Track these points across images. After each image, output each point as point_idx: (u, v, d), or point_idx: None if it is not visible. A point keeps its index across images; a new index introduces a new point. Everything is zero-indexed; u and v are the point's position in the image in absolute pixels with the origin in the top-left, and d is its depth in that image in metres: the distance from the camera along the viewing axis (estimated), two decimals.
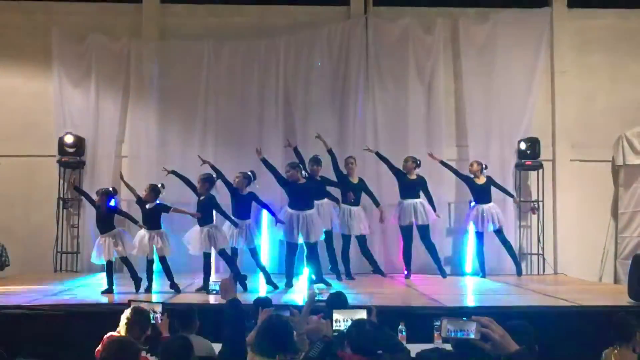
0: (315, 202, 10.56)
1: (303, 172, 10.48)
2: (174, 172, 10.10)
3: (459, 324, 2.57)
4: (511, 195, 12.47)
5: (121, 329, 5.56)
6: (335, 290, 8.11)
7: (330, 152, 11.10)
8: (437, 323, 6.23)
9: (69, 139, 12.91)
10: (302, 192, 10.27)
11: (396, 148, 12.70)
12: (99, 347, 5.58)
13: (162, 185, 10.05)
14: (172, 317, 6.21)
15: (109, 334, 5.68)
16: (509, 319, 3.65)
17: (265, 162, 10.13)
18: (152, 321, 5.96)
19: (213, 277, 9.92)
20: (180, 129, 13.46)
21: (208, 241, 9.66)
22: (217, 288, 6.90)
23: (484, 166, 11.98)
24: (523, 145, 13.15)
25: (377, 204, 11.51)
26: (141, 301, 6.80)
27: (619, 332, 5.66)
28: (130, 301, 6.60)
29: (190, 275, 10.58)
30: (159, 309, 6.37)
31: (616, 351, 5.60)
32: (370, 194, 11.50)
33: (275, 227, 10.47)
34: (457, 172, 12.18)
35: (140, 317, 5.65)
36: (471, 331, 2.54)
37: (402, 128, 13.33)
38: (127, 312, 5.73)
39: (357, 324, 4.89)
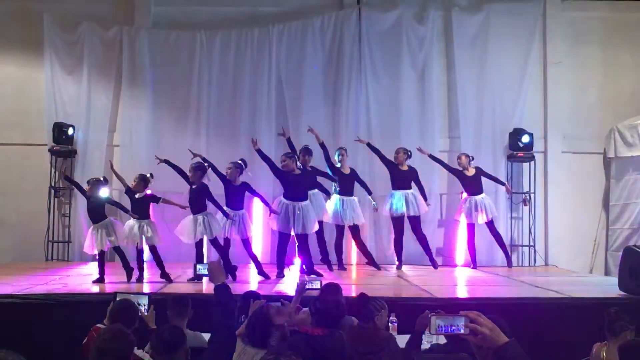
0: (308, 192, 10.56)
1: (298, 162, 10.45)
2: (166, 161, 10.05)
3: (447, 319, 2.57)
4: (502, 184, 12.43)
5: (107, 322, 5.50)
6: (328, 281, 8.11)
7: (322, 145, 11.03)
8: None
9: (60, 128, 12.84)
10: (297, 182, 10.22)
11: (388, 139, 12.68)
12: (86, 339, 5.55)
13: (151, 175, 10.02)
14: (165, 306, 6.17)
15: (95, 326, 5.63)
16: (492, 312, 3.64)
17: (260, 152, 10.06)
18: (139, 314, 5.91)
19: None
20: (173, 118, 13.41)
21: (203, 229, 9.66)
22: (206, 272, 6.77)
23: (471, 158, 11.99)
24: (515, 137, 13.14)
25: (369, 192, 11.49)
26: (127, 293, 6.75)
27: (609, 326, 5.62)
28: (116, 293, 6.54)
29: (181, 265, 10.58)
30: (144, 301, 6.29)
31: (605, 347, 5.59)
32: (362, 184, 11.46)
33: (269, 217, 10.45)
34: (446, 166, 12.18)
35: (126, 310, 5.57)
36: (460, 326, 2.54)
37: (394, 119, 13.29)
38: (112, 305, 5.69)
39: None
